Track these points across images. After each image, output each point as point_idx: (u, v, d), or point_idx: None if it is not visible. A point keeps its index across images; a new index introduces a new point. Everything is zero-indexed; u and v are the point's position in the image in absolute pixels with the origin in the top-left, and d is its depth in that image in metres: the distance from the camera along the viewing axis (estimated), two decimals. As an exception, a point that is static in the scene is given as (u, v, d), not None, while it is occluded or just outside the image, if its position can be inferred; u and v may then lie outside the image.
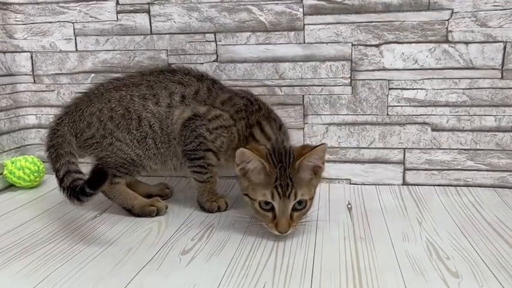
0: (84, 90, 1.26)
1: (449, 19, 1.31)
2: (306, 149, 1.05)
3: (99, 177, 0.99)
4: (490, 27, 1.29)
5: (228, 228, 1.14)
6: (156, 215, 1.22)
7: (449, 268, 0.91)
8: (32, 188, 1.47)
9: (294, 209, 1.04)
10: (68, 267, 0.94)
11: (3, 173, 1.45)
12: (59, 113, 1.24)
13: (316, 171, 1.08)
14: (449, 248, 1.00)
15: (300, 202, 1.04)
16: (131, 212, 1.22)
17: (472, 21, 1.30)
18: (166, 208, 1.25)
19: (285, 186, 1.02)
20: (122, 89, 1.21)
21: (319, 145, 1.03)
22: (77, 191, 1.03)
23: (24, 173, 1.44)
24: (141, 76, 1.25)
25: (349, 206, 1.27)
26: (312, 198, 1.07)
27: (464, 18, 1.30)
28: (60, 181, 1.09)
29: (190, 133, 1.18)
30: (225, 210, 1.25)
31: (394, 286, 0.85)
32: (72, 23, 1.49)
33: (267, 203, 1.03)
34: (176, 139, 1.20)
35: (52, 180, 1.52)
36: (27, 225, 1.17)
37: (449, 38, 1.32)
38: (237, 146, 1.14)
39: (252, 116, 1.18)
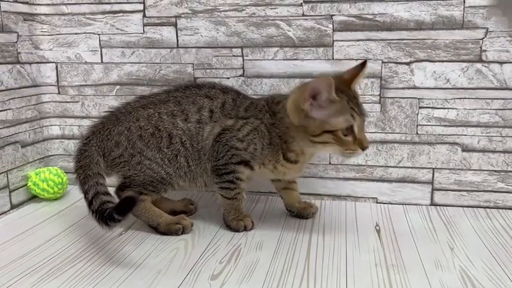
0: (111, 109, 1.25)
1: (483, 38, 1.28)
2: (354, 71, 1.13)
3: (127, 204, 0.98)
4: (525, 47, 1.26)
5: (255, 249, 1.12)
6: (181, 233, 1.20)
7: (488, 302, 0.89)
8: (55, 199, 1.47)
9: None
10: (99, 291, 0.93)
11: (27, 185, 1.45)
12: (86, 132, 1.23)
13: None
14: (485, 279, 0.97)
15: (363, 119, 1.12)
16: (157, 230, 1.21)
17: (507, 40, 1.27)
18: (192, 225, 1.23)
19: (356, 105, 1.09)
20: (150, 107, 1.20)
21: (364, 64, 1.13)
22: (105, 216, 1.02)
23: (48, 185, 1.44)
24: (167, 93, 1.23)
25: (377, 227, 1.25)
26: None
27: (499, 37, 1.27)
28: (89, 204, 1.09)
29: (222, 147, 1.17)
30: (251, 229, 1.23)
31: (432, 321, 0.83)
32: (98, 34, 1.48)
33: (348, 128, 1.07)
34: (207, 155, 1.19)
35: (75, 192, 1.52)
36: (54, 241, 1.17)
37: (483, 58, 1.29)
38: (270, 140, 1.16)
39: (272, 105, 1.19)
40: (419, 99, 1.34)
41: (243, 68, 1.42)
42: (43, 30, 1.50)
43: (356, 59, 1.35)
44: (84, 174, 1.14)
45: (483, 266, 1.03)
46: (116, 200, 1.10)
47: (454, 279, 0.97)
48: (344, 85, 1.10)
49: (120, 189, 1.21)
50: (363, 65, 1.12)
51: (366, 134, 1.11)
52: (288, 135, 1.15)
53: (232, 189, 1.20)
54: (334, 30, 1.35)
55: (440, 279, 0.97)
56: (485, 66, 1.29)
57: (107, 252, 1.11)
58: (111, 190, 1.16)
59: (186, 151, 1.19)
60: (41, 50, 1.51)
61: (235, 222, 1.23)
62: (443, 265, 1.04)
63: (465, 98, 1.32)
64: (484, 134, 1.33)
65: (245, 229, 1.23)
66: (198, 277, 0.99)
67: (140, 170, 1.18)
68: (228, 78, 1.43)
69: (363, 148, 1.08)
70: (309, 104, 1.07)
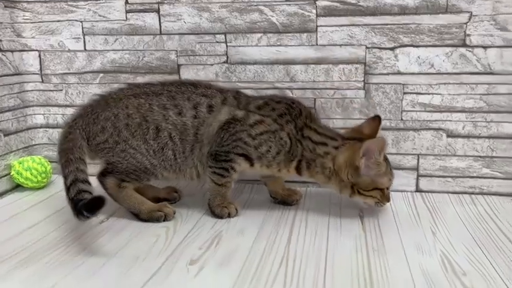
0: (103, 93, 1.24)
1: (467, 22, 1.27)
2: (372, 127, 1.21)
3: (96, 204, 0.97)
4: (509, 31, 1.25)
5: (236, 236, 1.11)
6: (163, 221, 1.19)
7: (466, 285, 0.88)
8: (39, 188, 1.46)
9: None
10: (74, 278, 0.92)
11: (11, 174, 1.43)
12: (74, 114, 1.22)
13: None
14: (465, 263, 0.96)
15: None
16: (139, 217, 1.20)
17: (491, 24, 1.25)
18: (174, 213, 1.22)
19: (389, 165, 1.18)
20: (142, 97, 1.19)
21: (379, 120, 1.21)
22: (77, 208, 1.01)
23: (31, 174, 1.42)
24: (161, 86, 1.22)
25: (361, 213, 1.24)
26: None
27: (483, 21, 1.26)
28: (67, 190, 1.07)
29: (229, 136, 1.16)
30: (235, 216, 1.22)
31: (408, 303, 0.83)
32: (81, 21, 1.47)
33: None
34: (206, 144, 1.18)
35: (59, 181, 1.50)
36: (34, 229, 1.16)
37: (467, 42, 1.28)
38: (290, 149, 1.17)
39: (298, 119, 1.18)
40: (403, 84, 1.33)
41: (226, 54, 1.41)
42: (25, 17, 1.49)
43: (340, 45, 1.33)
44: (65, 158, 1.13)
45: (464, 251, 1.02)
46: (93, 189, 1.08)
47: (434, 263, 0.97)
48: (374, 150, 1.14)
49: (102, 174, 1.20)
50: (379, 120, 1.21)
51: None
52: (324, 167, 1.18)
53: (224, 177, 1.19)
54: (317, 16, 1.33)
55: (420, 262, 0.97)
56: (470, 51, 1.28)
57: (86, 239, 1.10)
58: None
59: (174, 145, 1.17)
60: (24, 37, 1.50)
61: (219, 208, 1.22)
62: (424, 249, 1.03)
63: (449, 83, 1.31)
64: (468, 120, 1.32)
65: (229, 216, 1.22)
66: (177, 262, 0.98)
67: (124, 157, 1.17)
68: (212, 65, 1.42)
69: (388, 201, 1.19)
70: (364, 164, 1.13)
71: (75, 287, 0.88)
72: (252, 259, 0.99)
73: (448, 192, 1.37)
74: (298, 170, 1.20)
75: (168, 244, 1.07)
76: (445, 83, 1.31)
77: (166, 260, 0.99)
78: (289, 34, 1.36)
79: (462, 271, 0.93)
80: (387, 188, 1.18)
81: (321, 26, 1.34)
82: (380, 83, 1.34)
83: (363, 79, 1.35)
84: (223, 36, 1.39)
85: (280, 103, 1.20)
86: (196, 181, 1.25)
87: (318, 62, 1.36)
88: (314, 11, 1.33)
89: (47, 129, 1.57)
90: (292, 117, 1.18)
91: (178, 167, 1.20)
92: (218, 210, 1.22)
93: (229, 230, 1.15)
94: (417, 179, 1.38)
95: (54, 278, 0.91)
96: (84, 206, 0.99)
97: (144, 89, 1.21)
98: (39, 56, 1.51)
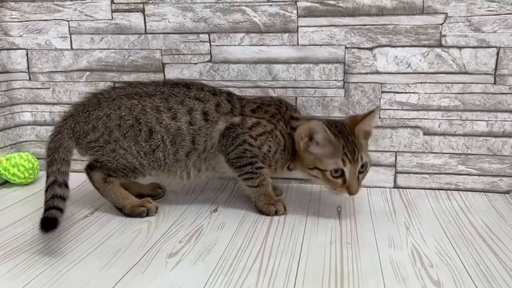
0: (95, 91, 1.26)
1: (443, 23, 1.30)
2: (358, 117, 1.18)
3: (48, 225, 1.00)
4: (483, 32, 1.29)
5: (217, 230, 1.15)
6: (146, 216, 1.23)
7: (432, 276, 0.92)
8: (26, 184, 1.49)
9: (359, 172, 1.15)
10: (53, 271, 0.95)
11: (-2, 170, 1.46)
12: (66, 113, 1.24)
13: (366, 137, 1.20)
14: (433, 255, 1.00)
15: (362, 165, 1.15)
16: (122, 211, 1.23)
17: (465, 26, 1.29)
18: (157, 209, 1.26)
19: (352, 152, 1.13)
20: (134, 98, 1.20)
21: (372, 111, 1.16)
22: (42, 216, 1.03)
23: (18, 170, 1.45)
24: (154, 86, 1.23)
25: (339, 209, 1.28)
26: (368, 161, 1.19)
27: (458, 22, 1.29)
28: (45, 190, 1.11)
29: (232, 141, 1.19)
30: (283, 214, 1.24)
31: (375, 294, 0.86)
32: (68, 21, 1.49)
33: (337, 170, 1.14)
34: (206, 151, 1.22)
35: (46, 178, 1.54)
36: (19, 224, 1.19)
37: (443, 43, 1.31)
38: (285, 146, 1.21)
39: (285, 114, 1.24)
40: (381, 83, 1.37)
41: (210, 53, 1.44)
42: (12, 16, 1.51)
43: (320, 45, 1.37)
44: (51, 157, 1.16)
45: (435, 244, 1.06)
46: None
47: (404, 256, 1.00)
48: (349, 130, 1.16)
49: (90, 167, 1.23)
50: (372, 111, 1.17)
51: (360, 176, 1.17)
52: (297, 153, 1.21)
53: (255, 178, 1.22)
54: (298, 16, 1.37)
55: (390, 255, 1.01)
56: (445, 51, 1.32)
57: (70, 234, 1.13)
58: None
59: (165, 147, 1.20)
60: (11, 36, 1.52)
61: (266, 206, 1.23)
62: (396, 243, 1.07)
63: (426, 83, 1.34)
64: (444, 118, 1.36)
65: (276, 213, 1.23)
66: (156, 255, 1.01)
67: (114, 157, 1.19)
68: (196, 63, 1.45)
69: (350, 193, 1.15)
70: (304, 142, 1.16)
71: (52, 281, 0.91)
72: (229, 253, 1.02)
73: (424, 189, 1.41)
74: (289, 167, 1.26)
75: (148, 238, 1.10)
76: (421, 82, 1.35)
77: (145, 253, 1.02)
78: (271, 34, 1.39)
79: (430, 263, 0.97)
80: (338, 172, 1.14)
81: (301, 26, 1.37)
82: (359, 82, 1.38)
83: (342, 78, 1.38)
84: (207, 35, 1.43)
85: (270, 105, 1.25)
86: (186, 181, 1.28)
87: (299, 61, 1.39)
88: (295, 11, 1.36)
89: (35, 126, 1.59)
90: (281, 114, 1.23)
91: (167, 168, 1.23)
92: (265, 208, 1.23)
93: (209, 224, 1.18)
94: (395, 176, 1.42)
95: (34, 272, 0.94)
96: (40, 222, 1.01)
97: (137, 89, 1.22)
98: (27, 54, 1.54)
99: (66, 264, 0.97)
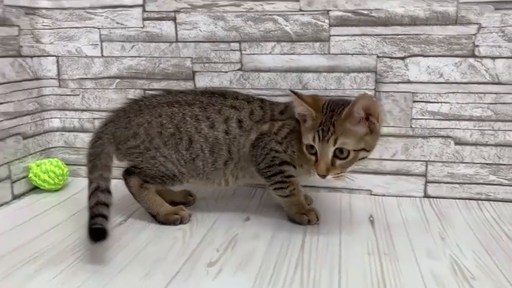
0: (135, 97, 1.28)
1: (476, 33, 1.30)
2: (350, 102, 1.11)
3: (98, 235, 1.01)
4: (517, 42, 1.29)
5: (251, 239, 1.15)
6: (179, 223, 1.23)
7: (476, 289, 0.92)
8: (55, 190, 1.50)
9: (336, 157, 1.09)
10: (99, 277, 0.96)
11: (29, 176, 1.47)
12: (106, 118, 1.25)
13: (372, 128, 1.10)
14: (474, 268, 1.00)
15: (341, 151, 1.08)
16: (156, 218, 1.24)
17: (499, 36, 1.29)
18: (190, 216, 1.26)
19: (326, 131, 1.08)
20: (175, 106, 1.21)
21: (356, 100, 1.07)
22: (88, 225, 1.05)
23: (49, 176, 1.46)
24: (193, 95, 1.24)
25: (372, 218, 1.28)
26: (360, 150, 1.10)
27: (491, 33, 1.29)
28: (88, 197, 1.12)
29: (260, 151, 1.19)
30: (315, 224, 1.23)
31: (421, 306, 0.86)
32: (99, 28, 1.51)
33: (312, 146, 1.10)
34: (241, 160, 1.22)
35: (76, 183, 1.56)
36: (54, 230, 1.20)
37: (476, 53, 1.31)
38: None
39: None
40: (413, 93, 1.37)
41: (241, 62, 1.44)
42: (44, 24, 1.53)
43: (352, 54, 1.37)
44: (92, 163, 1.17)
45: (473, 256, 1.06)
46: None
47: (445, 268, 1.00)
48: (338, 110, 1.11)
49: (127, 172, 1.23)
50: (356, 101, 1.07)
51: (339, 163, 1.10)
52: None
53: (286, 188, 1.22)
54: (330, 25, 1.37)
55: (430, 267, 1.00)
56: (478, 61, 1.32)
57: (107, 240, 1.13)
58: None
59: (204, 156, 1.20)
60: (42, 43, 1.54)
61: (298, 216, 1.23)
62: (434, 254, 1.07)
63: (458, 92, 1.34)
64: (476, 128, 1.36)
65: (309, 223, 1.22)
66: (196, 264, 1.02)
67: (153, 164, 1.20)
68: (226, 72, 1.46)
69: (317, 173, 1.09)
70: (299, 116, 1.15)
71: (103, 286, 0.92)
72: (268, 263, 1.02)
73: (455, 198, 1.41)
74: None
75: (186, 246, 1.10)
76: (453, 92, 1.35)
77: (185, 261, 1.03)
78: (302, 43, 1.40)
79: (472, 275, 0.97)
80: (310, 149, 1.11)
81: (333, 35, 1.37)
82: (390, 91, 1.38)
83: (373, 87, 1.38)
84: (237, 44, 1.43)
85: None
86: (224, 187, 1.29)
87: (330, 70, 1.40)
88: (327, 21, 1.37)
89: (63, 132, 1.61)
90: None
91: (206, 176, 1.23)
92: (297, 217, 1.23)
93: (244, 233, 1.18)
94: (425, 185, 1.42)
95: (81, 277, 0.95)
96: (89, 231, 1.02)
97: (177, 97, 1.23)
98: (57, 61, 1.56)
99: (110, 271, 0.98)
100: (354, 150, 1.09)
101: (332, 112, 1.10)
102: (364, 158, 1.12)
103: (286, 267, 1.00)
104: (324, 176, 1.09)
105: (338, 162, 1.09)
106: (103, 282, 0.94)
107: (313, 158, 1.11)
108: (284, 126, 1.20)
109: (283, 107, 1.24)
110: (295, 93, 1.13)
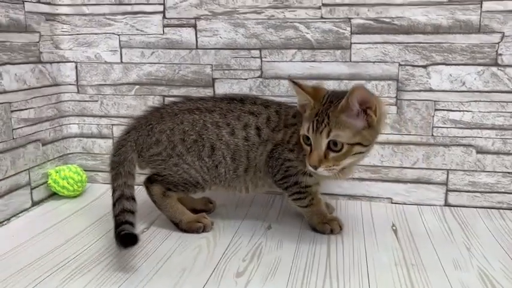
0: (156, 106, 1.29)
1: (499, 42, 1.30)
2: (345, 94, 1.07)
3: (128, 241, 1.01)
4: (541, 51, 1.28)
5: (276, 248, 1.14)
6: (202, 231, 1.23)
7: (508, 301, 0.91)
8: (74, 197, 1.49)
9: (330, 149, 1.06)
10: (129, 287, 0.95)
11: (48, 182, 1.47)
12: (128, 126, 1.25)
13: (369, 122, 1.06)
14: (503, 279, 0.99)
15: (335, 143, 1.05)
16: (178, 226, 1.23)
17: (523, 45, 1.29)
18: (212, 224, 1.26)
19: (320, 122, 1.06)
20: (196, 113, 1.21)
21: (351, 91, 1.02)
22: (116, 231, 1.05)
23: (68, 183, 1.46)
24: (213, 102, 1.24)
25: (394, 227, 1.27)
26: (355, 144, 1.06)
27: (515, 42, 1.29)
28: (113, 204, 1.11)
29: (275, 161, 1.18)
30: (338, 233, 1.22)
31: (454, 319, 0.86)
32: (118, 35, 1.51)
33: (307, 137, 1.09)
34: (258, 169, 1.21)
35: (94, 190, 1.56)
36: (78, 238, 1.19)
37: (499, 61, 1.31)
38: None
39: None
40: (435, 101, 1.36)
41: (261, 69, 1.44)
42: (63, 30, 1.53)
43: (373, 62, 1.37)
44: (116, 171, 1.17)
45: (500, 266, 1.05)
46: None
47: (473, 279, 1.00)
48: (336, 102, 1.08)
49: (149, 180, 1.23)
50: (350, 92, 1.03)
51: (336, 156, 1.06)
52: None
53: (304, 198, 1.21)
54: (352, 33, 1.37)
55: (459, 278, 1.00)
56: (501, 70, 1.31)
57: (132, 249, 1.12)
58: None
59: (226, 163, 1.20)
60: (61, 49, 1.54)
61: (321, 225, 1.22)
62: (461, 265, 1.06)
63: (480, 101, 1.34)
64: (498, 137, 1.35)
65: (332, 232, 1.22)
66: (224, 275, 1.01)
67: (176, 171, 1.20)
68: (246, 79, 1.45)
69: (309, 164, 1.07)
70: (300, 107, 1.15)
71: (130, 298, 0.92)
72: (296, 272, 1.02)
73: (476, 207, 1.40)
74: None
75: (211, 256, 1.10)
76: (476, 101, 1.34)
77: (212, 272, 1.02)
78: (323, 50, 1.39)
79: (502, 287, 0.96)
80: (305, 140, 1.10)
81: (355, 43, 1.37)
82: (412, 99, 1.37)
83: (395, 95, 1.38)
84: (258, 51, 1.43)
85: None
86: (244, 194, 1.29)
87: (351, 77, 1.39)
88: (348, 28, 1.37)
89: (81, 138, 1.60)
90: None
91: (227, 183, 1.23)
92: (320, 227, 1.22)
93: (267, 242, 1.18)
94: (446, 194, 1.41)
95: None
96: (118, 238, 1.02)
97: (197, 104, 1.23)
98: (76, 67, 1.55)
99: (140, 281, 0.98)
100: (348, 144, 1.05)
101: (330, 103, 1.08)
102: (361, 152, 1.09)
103: (315, 277, 1.00)
104: (315, 167, 1.06)
105: (331, 154, 1.06)
106: (133, 292, 0.94)
107: (308, 148, 1.09)
108: (296, 131, 1.18)
109: (296, 109, 1.23)
110: (295, 82, 1.12)
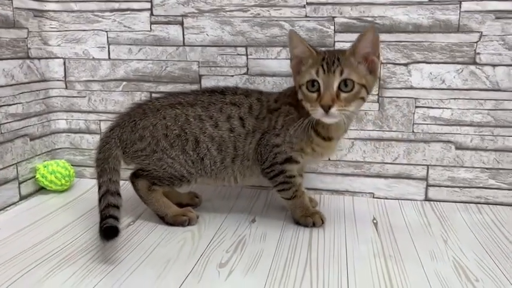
0: (139, 102, 1.31)
1: (477, 41, 1.34)
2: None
3: (110, 234, 1.04)
4: (517, 50, 1.33)
5: (260, 240, 1.17)
6: (188, 225, 1.25)
7: (479, 290, 0.95)
8: (62, 191, 1.51)
9: (340, 89, 1.09)
10: (113, 278, 0.97)
11: (36, 177, 1.49)
12: (112, 123, 1.27)
13: (371, 68, 1.12)
14: (477, 270, 1.03)
15: (346, 83, 1.08)
16: (164, 220, 1.26)
17: (500, 44, 1.33)
18: (198, 218, 1.28)
19: (331, 63, 1.09)
20: (177, 107, 1.23)
21: (364, 33, 1.09)
22: (100, 225, 1.07)
23: (56, 177, 1.48)
24: (194, 95, 1.26)
25: (375, 221, 1.31)
26: (363, 86, 1.10)
27: (492, 41, 1.33)
28: (99, 200, 1.14)
29: (264, 148, 1.21)
30: (320, 226, 1.25)
31: (427, 307, 0.89)
32: (106, 31, 1.52)
33: (313, 82, 1.10)
34: (246, 158, 1.23)
35: (81, 184, 1.58)
36: (64, 231, 1.21)
37: (477, 60, 1.35)
38: (299, 117, 1.17)
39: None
40: (415, 99, 1.40)
41: (247, 66, 1.47)
42: (52, 26, 1.54)
43: (356, 60, 1.40)
44: (101, 167, 1.19)
45: (475, 258, 1.09)
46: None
47: (449, 270, 1.03)
48: (337, 52, 1.14)
49: (135, 175, 1.26)
50: (364, 33, 1.10)
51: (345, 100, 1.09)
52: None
53: (288, 189, 1.24)
54: (335, 32, 1.40)
55: (435, 268, 1.04)
56: (479, 68, 1.35)
57: (117, 242, 1.15)
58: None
59: (211, 155, 1.23)
60: (50, 45, 1.55)
61: (303, 218, 1.25)
62: (437, 256, 1.10)
63: (459, 99, 1.38)
64: (476, 133, 1.39)
65: (314, 225, 1.24)
66: (207, 265, 1.04)
67: (161, 166, 1.22)
68: (232, 76, 1.48)
69: (321, 105, 1.07)
70: (294, 64, 1.17)
71: (117, 287, 0.94)
72: (277, 264, 1.05)
73: (455, 202, 1.44)
74: (318, 133, 1.19)
75: (195, 248, 1.13)
76: (455, 98, 1.38)
77: (196, 263, 1.05)
78: (308, 48, 1.42)
79: (475, 278, 1.00)
80: (311, 85, 1.11)
81: (338, 41, 1.40)
82: (393, 97, 1.41)
83: (377, 93, 1.41)
84: (244, 49, 1.46)
85: (288, 90, 1.27)
86: (234, 185, 1.31)
87: (335, 75, 1.42)
88: (332, 27, 1.40)
89: (69, 134, 1.62)
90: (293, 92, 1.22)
91: (215, 175, 1.26)
92: (302, 220, 1.25)
93: (251, 235, 1.21)
94: (426, 189, 1.45)
95: (94, 279, 0.97)
96: (101, 231, 1.05)
97: (178, 98, 1.25)
98: (64, 63, 1.57)
99: (123, 272, 1.00)
100: (358, 84, 1.09)
101: (333, 52, 1.13)
102: (363, 98, 1.12)
103: (295, 268, 1.03)
104: (328, 108, 1.06)
105: (342, 95, 1.08)
106: (119, 282, 0.96)
107: (315, 94, 1.10)
108: (280, 114, 1.21)
109: (277, 94, 1.27)
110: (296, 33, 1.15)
